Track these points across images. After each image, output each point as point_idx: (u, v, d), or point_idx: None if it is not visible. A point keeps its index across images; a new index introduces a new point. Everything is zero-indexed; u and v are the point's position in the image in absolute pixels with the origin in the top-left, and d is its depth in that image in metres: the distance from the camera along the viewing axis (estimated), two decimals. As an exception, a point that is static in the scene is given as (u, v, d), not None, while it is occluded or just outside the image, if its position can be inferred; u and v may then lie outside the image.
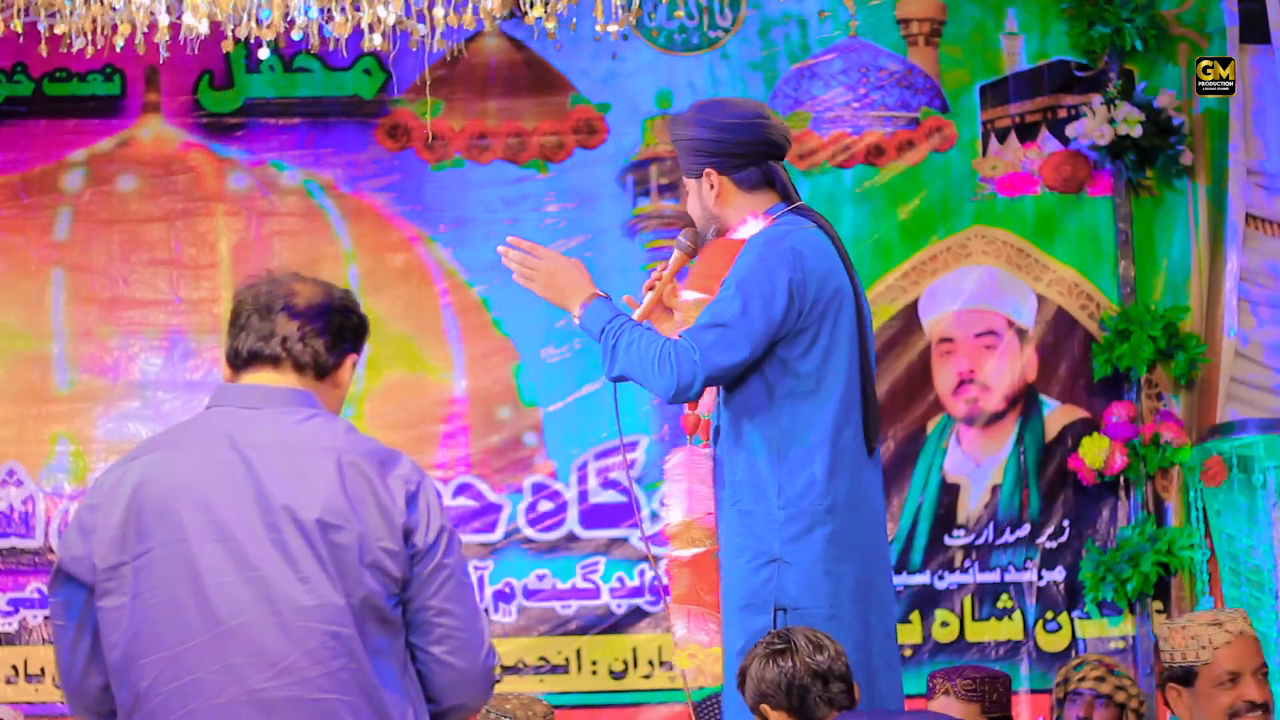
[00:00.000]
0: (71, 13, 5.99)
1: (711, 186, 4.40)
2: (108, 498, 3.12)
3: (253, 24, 5.98)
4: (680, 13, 6.80)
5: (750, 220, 4.36)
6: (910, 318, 7.66)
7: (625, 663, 7.57)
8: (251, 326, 3.20)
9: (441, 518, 3.18)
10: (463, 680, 3.20)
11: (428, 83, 6.90)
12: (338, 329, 3.23)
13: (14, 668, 7.51)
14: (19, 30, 6.05)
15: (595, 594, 7.61)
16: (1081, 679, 5.96)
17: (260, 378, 3.20)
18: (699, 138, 4.41)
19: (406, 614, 3.17)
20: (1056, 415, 7.69)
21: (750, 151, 4.40)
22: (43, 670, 7.47)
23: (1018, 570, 7.62)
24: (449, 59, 6.86)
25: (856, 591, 4.26)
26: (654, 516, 7.58)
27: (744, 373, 4.26)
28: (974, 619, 7.62)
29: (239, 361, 3.22)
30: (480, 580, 7.50)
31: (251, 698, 3.02)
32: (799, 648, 3.98)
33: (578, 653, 7.58)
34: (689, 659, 4.33)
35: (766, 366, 4.26)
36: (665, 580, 4.48)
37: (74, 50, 6.08)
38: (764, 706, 4.01)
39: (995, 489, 7.65)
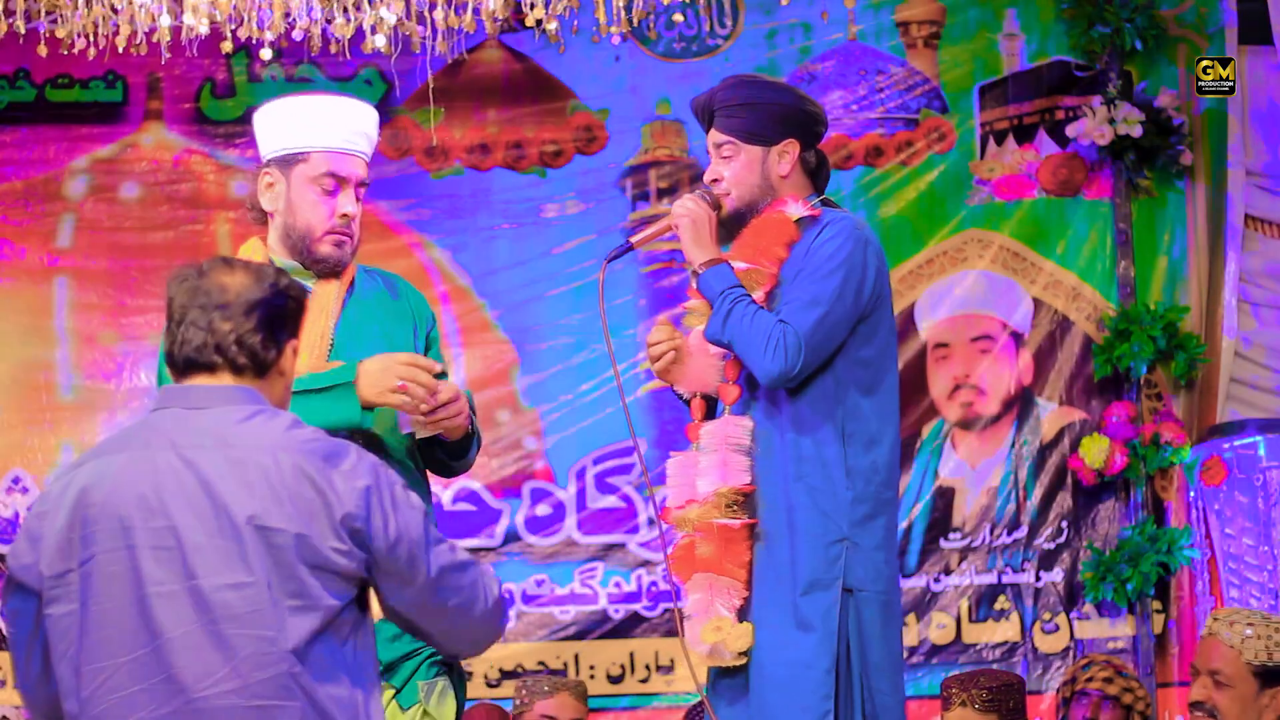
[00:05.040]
0: (74, 11, 6.00)
1: (788, 158, 4.34)
2: (54, 504, 3.08)
3: (253, 26, 5.99)
4: (680, 16, 6.78)
5: (791, 204, 4.31)
6: (906, 322, 7.60)
7: (623, 667, 7.54)
8: (185, 333, 3.13)
9: (406, 509, 3.10)
10: (466, 649, 3.33)
11: (431, 89, 6.89)
12: (271, 321, 3.15)
13: (17, 673, 7.49)
14: (20, 31, 6.05)
15: (593, 599, 7.59)
16: (1089, 679, 5.93)
17: (201, 380, 3.13)
18: (789, 104, 4.36)
19: (393, 608, 3.14)
20: (1054, 417, 7.64)
21: (821, 134, 4.42)
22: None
23: (1015, 572, 7.57)
24: (452, 64, 6.86)
25: (897, 580, 4.32)
26: (650, 523, 7.58)
27: None
28: (971, 620, 7.57)
29: (177, 368, 3.16)
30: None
31: (191, 706, 2.99)
32: None
33: (576, 657, 7.54)
34: (715, 632, 4.17)
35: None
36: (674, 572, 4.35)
37: (74, 52, 6.08)
38: None
39: (992, 491, 7.60)
